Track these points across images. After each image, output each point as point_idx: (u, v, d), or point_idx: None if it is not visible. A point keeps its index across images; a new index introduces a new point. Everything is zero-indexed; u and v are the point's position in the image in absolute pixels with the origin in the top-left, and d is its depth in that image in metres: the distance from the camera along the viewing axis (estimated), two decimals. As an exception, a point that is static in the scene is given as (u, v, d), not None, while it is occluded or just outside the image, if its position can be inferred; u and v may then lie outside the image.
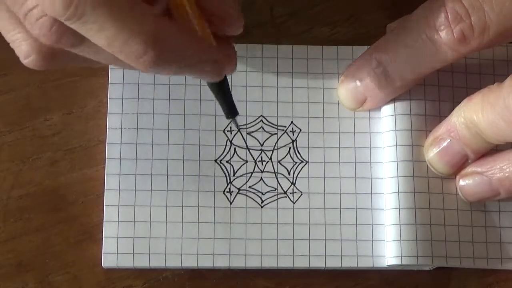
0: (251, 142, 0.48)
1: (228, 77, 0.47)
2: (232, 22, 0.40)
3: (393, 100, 0.47)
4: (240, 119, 0.47)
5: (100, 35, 0.35)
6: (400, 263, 0.45)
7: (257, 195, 0.47)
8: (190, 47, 0.37)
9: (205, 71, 0.39)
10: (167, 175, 0.47)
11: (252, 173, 0.47)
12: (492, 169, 0.45)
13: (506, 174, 0.45)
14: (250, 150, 0.48)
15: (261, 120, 0.48)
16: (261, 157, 0.47)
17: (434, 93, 0.48)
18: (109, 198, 0.46)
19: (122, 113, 0.47)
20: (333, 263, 0.46)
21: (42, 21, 0.36)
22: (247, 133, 0.48)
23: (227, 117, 0.43)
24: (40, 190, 0.47)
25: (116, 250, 0.45)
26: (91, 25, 0.34)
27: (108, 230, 0.46)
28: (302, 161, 0.47)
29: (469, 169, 0.46)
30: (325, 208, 0.47)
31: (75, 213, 0.47)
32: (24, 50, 0.38)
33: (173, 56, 0.36)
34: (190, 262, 0.46)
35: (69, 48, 0.37)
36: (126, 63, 0.37)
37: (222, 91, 0.42)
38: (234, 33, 0.40)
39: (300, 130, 0.48)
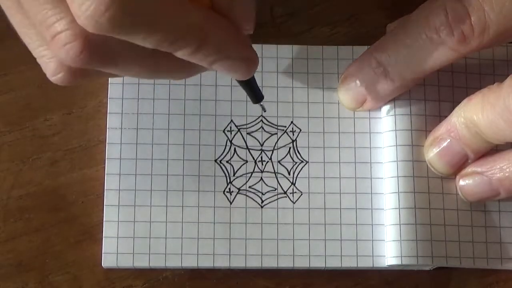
0: (251, 142, 0.48)
1: (228, 79, 0.47)
2: (244, 25, 0.39)
3: (393, 100, 0.47)
4: (240, 119, 0.47)
5: (147, 42, 0.35)
6: (400, 263, 0.45)
7: (257, 195, 0.47)
8: (232, 40, 0.37)
9: (239, 68, 0.39)
10: (167, 175, 0.47)
11: (252, 173, 0.47)
12: (492, 169, 0.45)
13: (506, 174, 0.45)
14: (250, 150, 0.48)
15: (261, 120, 0.48)
16: (261, 157, 0.47)
17: (434, 93, 0.48)
18: (109, 198, 0.46)
19: (122, 113, 0.47)
20: (333, 263, 0.46)
21: (70, 46, 0.35)
22: (247, 133, 0.48)
23: (254, 102, 0.43)
24: (40, 190, 0.47)
25: (116, 250, 0.45)
26: (138, 37, 0.34)
27: (108, 230, 0.46)
28: (302, 161, 0.47)
29: (469, 169, 0.46)
30: (325, 208, 0.47)
31: (75, 213, 0.47)
32: (52, 67, 0.37)
33: (215, 46, 0.36)
34: (190, 262, 0.46)
35: (98, 69, 0.37)
36: (159, 75, 0.39)
37: (250, 83, 0.42)
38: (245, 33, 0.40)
39: (300, 130, 0.48)
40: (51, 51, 0.36)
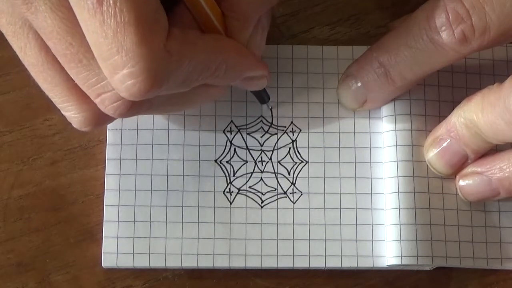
0: (251, 142, 0.48)
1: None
2: (256, 52, 0.43)
3: (393, 100, 0.47)
4: (240, 120, 0.48)
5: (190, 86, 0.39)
6: (400, 263, 0.45)
7: (257, 195, 0.47)
8: (250, 63, 0.42)
9: (255, 85, 0.44)
10: (167, 175, 0.47)
11: (252, 173, 0.47)
12: (492, 169, 0.45)
13: (506, 174, 0.45)
14: (250, 151, 0.48)
15: (261, 121, 0.48)
16: (261, 157, 0.47)
17: (434, 93, 0.48)
18: (109, 198, 0.46)
19: (122, 113, 0.47)
20: (333, 263, 0.46)
21: (119, 104, 0.37)
22: (247, 134, 0.48)
23: (261, 103, 0.47)
24: (40, 190, 0.47)
25: (116, 250, 0.46)
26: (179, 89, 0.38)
27: (108, 230, 0.46)
28: (302, 161, 0.47)
29: (469, 169, 0.46)
30: (325, 208, 0.47)
31: (75, 213, 0.47)
32: (79, 122, 0.39)
33: (235, 71, 0.41)
34: (190, 262, 0.46)
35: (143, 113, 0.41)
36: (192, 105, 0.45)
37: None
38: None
39: (300, 130, 0.48)
40: (79, 104, 0.39)
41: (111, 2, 0.33)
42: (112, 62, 0.34)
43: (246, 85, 0.43)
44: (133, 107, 0.37)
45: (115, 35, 0.33)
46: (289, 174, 0.47)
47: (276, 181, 0.47)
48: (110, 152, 0.47)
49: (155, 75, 0.34)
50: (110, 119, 0.40)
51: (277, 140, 0.48)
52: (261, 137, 0.48)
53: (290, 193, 0.47)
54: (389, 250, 0.46)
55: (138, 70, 0.34)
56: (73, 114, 0.39)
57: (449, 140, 0.45)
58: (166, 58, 0.35)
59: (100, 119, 0.39)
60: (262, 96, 0.47)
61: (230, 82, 0.42)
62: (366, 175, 0.47)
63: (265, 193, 0.47)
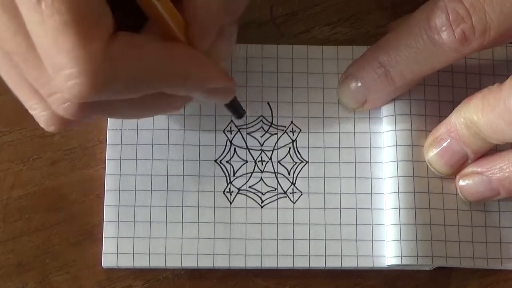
0: (251, 142, 0.48)
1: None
2: (220, 62, 0.41)
3: (393, 100, 0.47)
4: (240, 120, 0.47)
5: (138, 94, 0.37)
6: (400, 263, 0.45)
7: (257, 195, 0.47)
8: (209, 73, 0.39)
9: (218, 96, 0.42)
10: (167, 175, 0.47)
11: (252, 173, 0.47)
12: (492, 169, 0.45)
13: (506, 174, 0.45)
14: (250, 150, 0.48)
15: (261, 120, 0.48)
16: (261, 157, 0.47)
17: (434, 93, 0.48)
18: (109, 198, 0.46)
19: (122, 113, 0.47)
20: (333, 263, 0.46)
21: (67, 105, 0.36)
22: (247, 133, 0.48)
23: (238, 118, 0.46)
24: (40, 190, 0.47)
25: (116, 250, 0.46)
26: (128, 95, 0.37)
27: (108, 230, 0.46)
28: (302, 161, 0.47)
29: (469, 169, 0.46)
30: (325, 208, 0.47)
31: (75, 213, 0.47)
32: (44, 120, 0.38)
33: (194, 81, 0.38)
34: (190, 262, 0.46)
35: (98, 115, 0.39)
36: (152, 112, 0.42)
37: (231, 105, 0.44)
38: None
39: (300, 130, 0.48)
40: (44, 102, 0.37)
41: (49, 1, 0.32)
42: (54, 62, 0.33)
43: (210, 97, 0.41)
44: (84, 109, 0.36)
45: (55, 35, 0.33)
46: (289, 174, 0.47)
47: (276, 181, 0.47)
48: (110, 152, 0.47)
49: (95, 77, 0.34)
50: (77, 120, 0.39)
51: (277, 140, 0.48)
52: (261, 137, 0.48)
53: (290, 193, 0.47)
54: (389, 250, 0.46)
55: (78, 71, 0.33)
56: (38, 112, 0.38)
57: (449, 140, 0.45)
58: (106, 61, 0.34)
59: (63, 120, 0.38)
60: (236, 110, 0.45)
61: (191, 93, 0.40)
62: (366, 175, 0.47)
63: (265, 193, 0.47)
